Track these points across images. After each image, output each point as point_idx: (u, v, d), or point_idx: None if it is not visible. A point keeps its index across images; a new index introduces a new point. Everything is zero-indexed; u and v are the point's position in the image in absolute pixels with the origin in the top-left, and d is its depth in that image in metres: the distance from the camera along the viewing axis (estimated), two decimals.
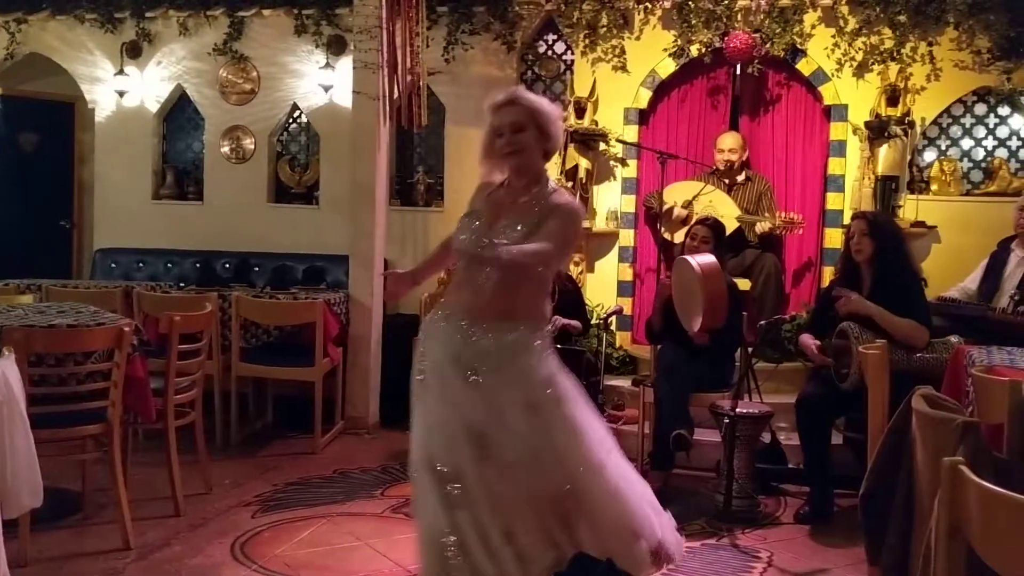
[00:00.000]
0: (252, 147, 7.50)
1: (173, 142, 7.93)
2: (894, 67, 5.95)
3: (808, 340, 4.59)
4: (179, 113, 7.86)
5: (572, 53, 6.72)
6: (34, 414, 2.90)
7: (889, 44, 5.98)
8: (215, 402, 5.42)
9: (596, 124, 6.40)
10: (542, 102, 2.92)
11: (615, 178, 6.57)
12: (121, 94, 7.58)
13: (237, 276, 6.75)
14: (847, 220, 6.08)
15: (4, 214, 8.21)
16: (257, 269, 7.02)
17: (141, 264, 7.45)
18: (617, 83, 6.46)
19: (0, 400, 2.64)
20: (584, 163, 6.36)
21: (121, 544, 3.72)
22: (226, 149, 7.54)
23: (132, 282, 6.57)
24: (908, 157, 5.98)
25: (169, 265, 7.38)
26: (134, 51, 7.56)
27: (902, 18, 5.89)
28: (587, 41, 6.48)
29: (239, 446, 5.48)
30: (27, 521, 3.45)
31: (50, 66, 7.89)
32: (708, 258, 4.64)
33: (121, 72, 7.51)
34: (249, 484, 4.72)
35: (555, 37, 6.90)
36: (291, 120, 7.64)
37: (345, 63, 6.88)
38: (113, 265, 7.50)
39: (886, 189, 5.88)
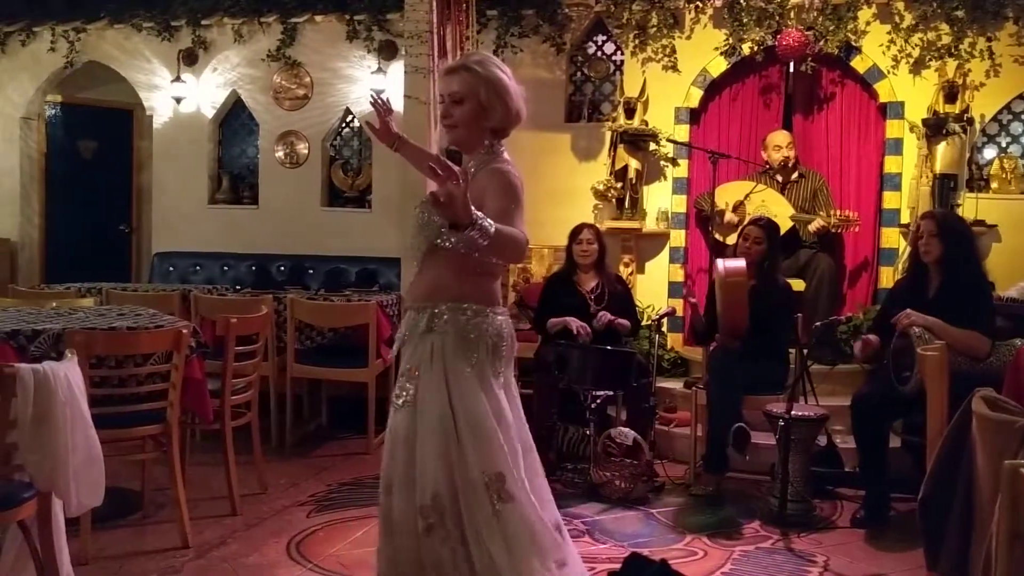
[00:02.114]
0: (306, 152, 7.60)
1: (228, 147, 8.06)
2: (952, 63, 5.84)
3: (870, 338, 4.45)
4: (234, 119, 7.99)
5: (622, 53, 6.70)
6: (95, 415, 2.96)
7: (946, 40, 5.87)
8: (270, 403, 5.49)
9: (646, 124, 6.37)
10: (495, 74, 2.61)
11: (665, 178, 6.53)
12: (178, 101, 7.72)
13: (291, 279, 6.83)
14: (904, 220, 6.00)
15: (65, 220, 8.43)
16: (311, 272, 7.12)
17: (198, 267, 7.59)
18: (667, 83, 6.42)
19: (63, 401, 2.70)
20: (634, 163, 6.34)
21: (179, 543, 3.78)
22: (280, 154, 7.64)
23: (189, 285, 6.69)
24: (967, 155, 5.86)
25: (225, 268, 7.51)
26: (190, 58, 7.70)
27: (959, 13, 5.78)
28: (637, 41, 6.45)
29: (294, 447, 5.54)
30: (88, 520, 3.52)
31: (108, 74, 8.07)
32: (736, 263, 4.65)
33: (178, 79, 7.65)
34: (304, 484, 4.78)
35: (604, 38, 6.88)
36: (344, 125, 7.73)
37: (396, 68, 6.95)
38: (171, 269, 7.65)
39: (944, 187, 5.76)
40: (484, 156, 2.65)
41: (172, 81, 7.67)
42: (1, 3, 8.04)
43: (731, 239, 5.69)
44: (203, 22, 7.60)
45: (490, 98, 2.59)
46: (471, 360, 2.59)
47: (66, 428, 2.70)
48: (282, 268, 7.24)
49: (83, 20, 7.84)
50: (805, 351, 4.80)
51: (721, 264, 4.80)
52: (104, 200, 8.65)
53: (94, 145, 8.70)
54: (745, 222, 5.32)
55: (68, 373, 2.79)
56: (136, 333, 3.81)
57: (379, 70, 7.17)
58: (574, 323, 5.03)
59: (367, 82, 7.23)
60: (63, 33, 7.87)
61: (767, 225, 5.00)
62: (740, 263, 4.77)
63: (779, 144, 6.11)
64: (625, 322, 5.19)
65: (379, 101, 3.08)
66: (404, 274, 6.19)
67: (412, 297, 2.71)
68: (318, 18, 7.37)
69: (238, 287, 6.54)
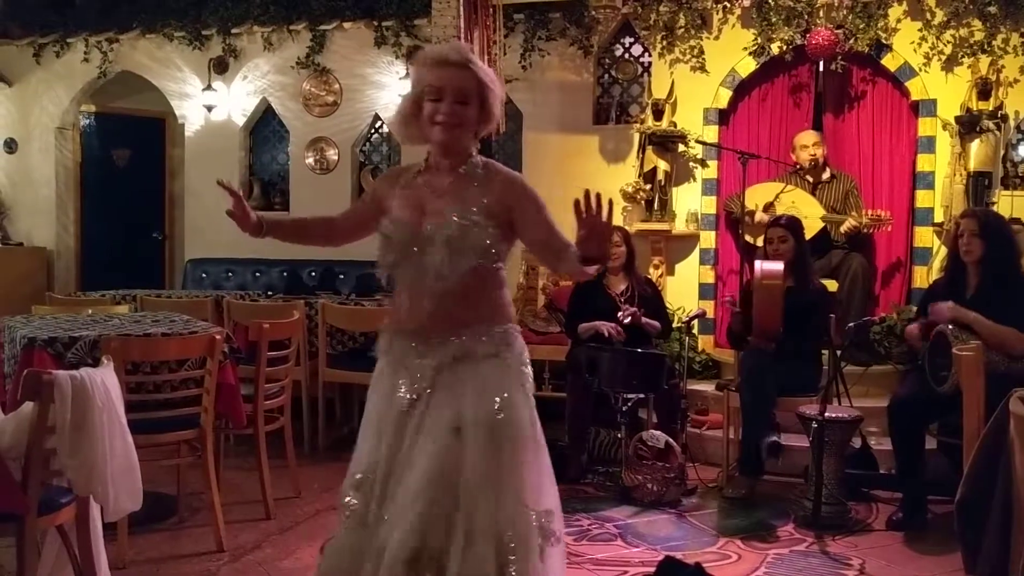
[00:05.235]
0: (336, 158, 7.65)
1: (259, 154, 8.14)
2: (985, 60, 5.77)
3: (915, 329, 4.37)
4: (264, 126, 8.06)
5: (649, 55, 6.69)
6: (131, 420, 2.98)
7: (979, 36, 5.80)
8: (303, 407, 5.52)
9: (675, 125, 6.35)
10: (491, 74, 2.46)
11: (695, 179, 6.51)
12: (209, 109, 7.80)
13: (323, 284, 6.88)
14: (938, 219, 5.93)
15: (100, 228, 8.55)
16: (342, 277, 7.16)
17: (230, 274, 7.66)
18: (696, 84, 6.40)
19: (100, 406, 2.73)
20: (663, 165, 6.32)
21: (215, 546, 3.81)
22: (310, 160, 7.70)
23: (222, 291, 6.75)
24: (1002, 152, 5.78)
25: (257, 274, 7.57)
26: (221, 67, 7.78)
27: (992, 9, 5.71)
28: (664, 43, 6.44)
29: (326, 451, 5.57)
30: (125, 524, 3.55)
31: (141, 83, 8.17)
32: (774, 266, 4.63)
33: (209, 87, 7.73)
34: (337, 488, 4.71)
35: (632, 40, 6.87)
36: (373, 130, 7.77)
37: None
38: (203, 275, 7.72)
39: (979, 185, 5.69)
40: (471, 160, 2.47)
41: (203, 89, 7.75)
42: (35, 15, 8.19)
43: (761, 240, 5.65)
44: (233, 31, 7.67)
45: (492, 104, 2.44)
46: (521, 381, 2.44)
47: (104, 433, 2.73)
48: (313, 273, 7.29)
49: (116, 30, 7.95)
50: (838, 352, 4.76)
51: (759, 265, 4.77)
52: (138, 208, 8.76)
53: (128, 153, 8.81)
54: (766, 225, 5.28)
55: (105, 379, 2.82)
56: (170, 339, 3.85)
57: (407, 75, 7.20)
58: (605, 327, 5.02)
59: (395, 88, 7.27)
60: (96, 43, 7.97)
61: (788, 223, 4.96)
62: (778, 266, 4.73)
63: (806, 144, 6.07)
64: (656, 323, 5.17)
65: (222, 184, 2.66)
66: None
67: (437, 323, 2.41)
68: (346, 25, 7.42)
69: (270, 293, 6.60)
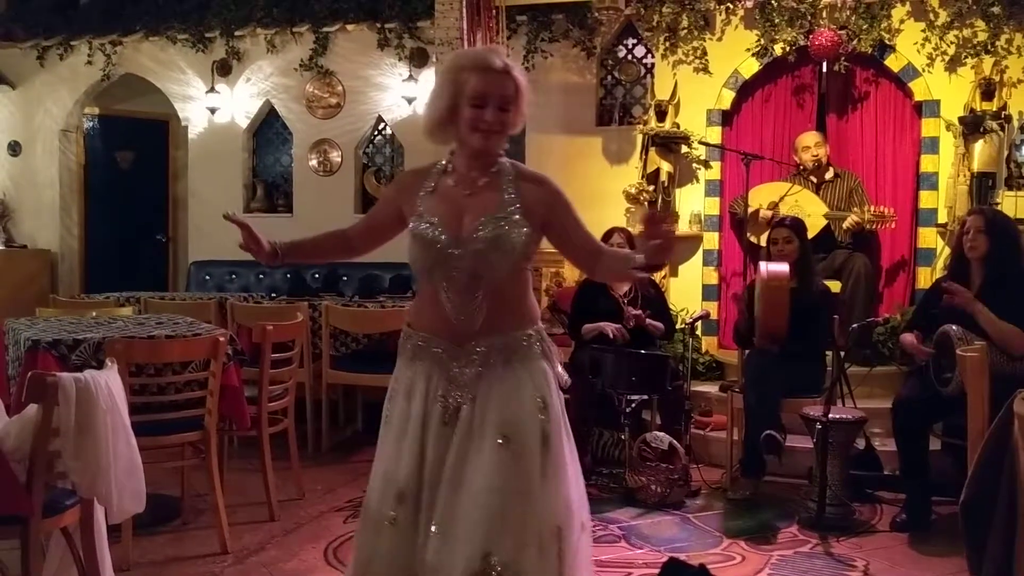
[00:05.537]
0: (339, 160, 7.66)
1: (263, 156, 8.15)
2: (988, 60, 5.76)
3: (910, 338, 4.41)
4: (268, 128, 8.07)
5: (652, 56, 6.69)
6: (135, 422, 2.99)
7: (983, 37, 5.79)
8: (307, 409, 5.52)
9: (677, 127, 6.35)
10: (525, 77, 2.40)
11: (698, 180, 6.51)
12: (212, 111, 7.81)
13: (326, 286, 6.88)
14: (942, 219, 5.93)
15: (104, 230, 8.57)
16: (345, 279, 7.16)
17: (233, 276, 7.67)
18: (699, 85, 6.40)
19: (104, 409, 2.73)
20: (666, 166, 6.31)
21: (219, 548, 3.82)
22: (314, 162, 7.71)
23: (225, 293, 6.76)
24: (1005, 153, 5.77)
25: (260, 276, 7.58)
26: (224, 69, 7.79)
27: (995, 9, 5.70)
28: (667, 44, 6.44)
29: (330, 452, 5.57)
30: (130, 526, 3.55)
31: (144, 86, 8.19)
32: (780, 267, 4.62)
33: (212, 90, 7.74)
34: (340, 489, 4.80)
35: (635, 41, 6.88)
36: (376, 132, 7.78)
37: (427, 75, 6.99)
38: (207, 277, 7.73)
39: (982, 186, 5.68)
40: (499, 161, 2.43)
41: (207, 92, 7.77)
42: (39, 18, 8.21)
43: (764, 240, 5.65)
44: (236, 33, 7.69)
45: (524, 106, 2.39)
46: (554, 379, 2.41)
47: (108, 435, 2.73)
48: (316, 275, 7.30)
49: (119, 33, 7.97)
50: (842, 353, 4.76)
51: (764, 267, 4.75)
52: (141, 210, 8.78)
53: (131, 156, 8.83)
54: (770, 227, 5.27)
55: (109, 381, 2.82)
56: (174, 341, 3.86)
57: (410, 77, 7.21)
58: (609, 327, 5.02)
59: (398, 90, 7.28)
60: (100, 46, 7.99)
61: (792, 224, 4.96)
62: (783, 267, 4.71)
63: (808, 145, 6.06)
64: (659, 324, 5.17)
65: (229, 217, 2.58)
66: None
67: (475, 327, 2.35)
68: (349, 27, 7.43)
69: (273, 295, 6.60)
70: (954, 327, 4.01)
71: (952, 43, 5.88)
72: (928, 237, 6.03)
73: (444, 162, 2.46)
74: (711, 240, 6.48)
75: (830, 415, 4.26)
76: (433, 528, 2.29)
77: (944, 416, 4.41)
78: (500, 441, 2.29)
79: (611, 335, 4.99)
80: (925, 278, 5.93)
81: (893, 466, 4.63)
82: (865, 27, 5.94)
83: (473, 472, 2.28)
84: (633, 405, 4.72)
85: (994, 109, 5.68)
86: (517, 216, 2.34)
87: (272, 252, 2.53)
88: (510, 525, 2.25)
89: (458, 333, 2.36)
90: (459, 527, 2.26)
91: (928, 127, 6.03)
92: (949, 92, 5.93)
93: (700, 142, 6.30)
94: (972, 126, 5.71)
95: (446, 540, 2.27)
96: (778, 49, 6.19)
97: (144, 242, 8.76)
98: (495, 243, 2.31)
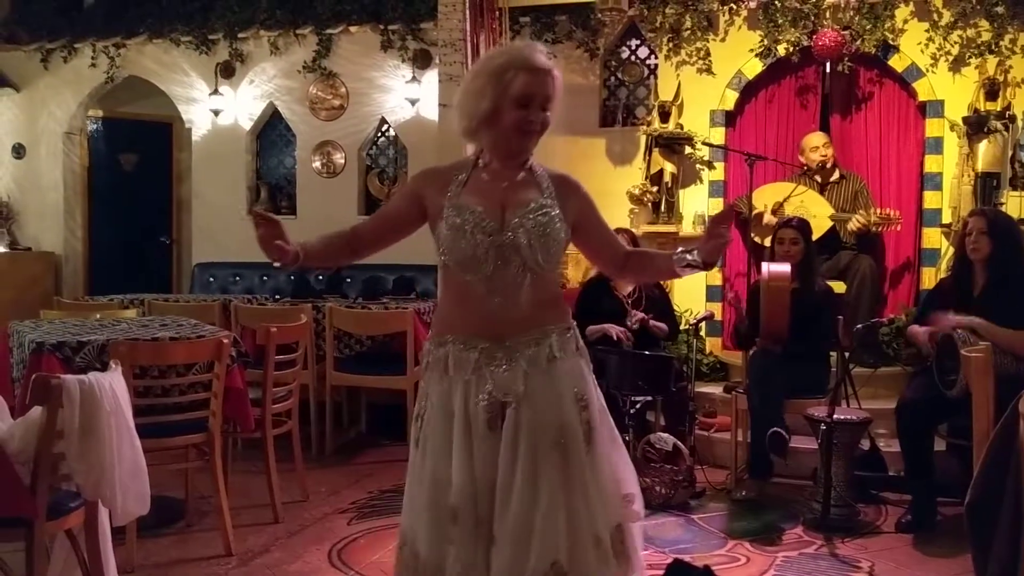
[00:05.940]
0: (342, 161, 7.67)
1: (266, 158, 8.16)
2: (992, 60, 5.75)
3: (918, 328, 4.36)
4: (271, 130, 8.08)
5: (655, 57, 6.69)
6: (139, 425, 2.99)
7: (987, 36, 5.78)
8: (311, 411, 5.52)
9: (681, 127, 6.35)
10: (561, 75, 2.34)
11: (701, 181, 6.50)
12: (216, 113, 7.82)
13: (330, 288, 6.88)
14: (946, 219, 5.92)
15: (107, 232, 8.58)
16: (349, 280, 7.17)
17: (237, 277, 7.67)
18: (702, 85, 6.40)
19: (108, 411, 2.73)
20: (669, 167, 6.31)
21: (223, 550, 3.82)
22: (317, 164, 7.72)
23: (229, 295, 6.76)
24: (1009, 153, 5.76)
25: (264, 278, 7.58)
26: (227, 71, 7.80)
27: (1000, 9, 5.70)
28: (671, 44, 6.43)
29: (334, 454, 5.58)
30: (134, 528, 3.56)
31: (148, 88, 8.20)
32: (781, 268, 4.62)
33: (215, 92, 7.75)
34: (345, 491, 4.80)
35: (638, 42, 6.87)
36: (379, 134, 7.78)
37: (431, 76, 6.99)
38: (211, 279, 7.74)
39: (986, 186, 5.67)
40: (532, 161, 2.40)
41: (210, 94, 7.77)
42: (42, 21, 8.22)
43: (768, 241, 5.65)
44: (240, 35, 7.69)
45: (557, 105, 2.32)
46: (591, 373, 2.42)
47: (112, 438, 2.73)
48: (320, 277, 7.29)
49: (123, 36, 7.98)
50: (847, 354, 4.75)
51: (766, 268, 4.76)
52: (145, 212, 8.79)
53: (135, 158, 8.84)
54: (776, 225, 5.27)
55: (113, 383, 2.82)
56: (178, 343, 3.86)
57: (413, 79, 7.22)
58: (613, 330, 5.01)
59: (402, 91, 7.28)
60: (103, 49, 8.00)
61: (799, 225, 4.96)
62: (785, 268, 4.73)
63: (816, 145, 6.06)
64: (663, 325, 5.17)
65: (258, 213, 2.35)
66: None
67: (517, 323, 2.31)
68: (353, 29, 7.44)
69: (277, 296, 6.60)
70: (959, 330, 3.99)
71: (956, 43, 5.86)
72: (932, 238, 6.02)
73: (475, 157, 2.40)
74: None
75: (835, 416, 4.26)
76: (497, 539, 2.23)
77: (949, 417, 4.40)
78: (550, 446, 2.25)
79: (615, 337, 4.98)
80: (930, 279, 5.91)
81: (898, 467, 4.62)
82: (869, 27, 5.94)
83: (527, 479, 2.23)
84: (637, 406, 4.71)
85: (998, 109, 5.67)
86: (555, 211, 2.32)
87: (296, 254, 2.34)
88: (572, 529, 2.23)
89: (498, 329, 2.30)
90: (521, 536, 2.21)
91: (932, 127, 6.02)
92: (953, 92, 5.92)
93: (704, 143, 6.30)
94: (976, 126, 5.70)
95: (510, 550, 2.21)
96: (781, 50, 6.19)
97: (148, 244, 8.77)
98: (541, 233, 2.28)
